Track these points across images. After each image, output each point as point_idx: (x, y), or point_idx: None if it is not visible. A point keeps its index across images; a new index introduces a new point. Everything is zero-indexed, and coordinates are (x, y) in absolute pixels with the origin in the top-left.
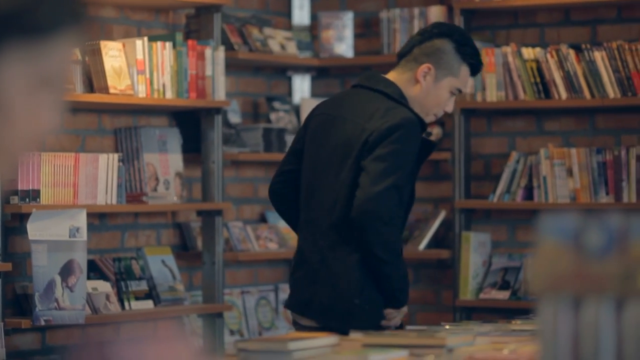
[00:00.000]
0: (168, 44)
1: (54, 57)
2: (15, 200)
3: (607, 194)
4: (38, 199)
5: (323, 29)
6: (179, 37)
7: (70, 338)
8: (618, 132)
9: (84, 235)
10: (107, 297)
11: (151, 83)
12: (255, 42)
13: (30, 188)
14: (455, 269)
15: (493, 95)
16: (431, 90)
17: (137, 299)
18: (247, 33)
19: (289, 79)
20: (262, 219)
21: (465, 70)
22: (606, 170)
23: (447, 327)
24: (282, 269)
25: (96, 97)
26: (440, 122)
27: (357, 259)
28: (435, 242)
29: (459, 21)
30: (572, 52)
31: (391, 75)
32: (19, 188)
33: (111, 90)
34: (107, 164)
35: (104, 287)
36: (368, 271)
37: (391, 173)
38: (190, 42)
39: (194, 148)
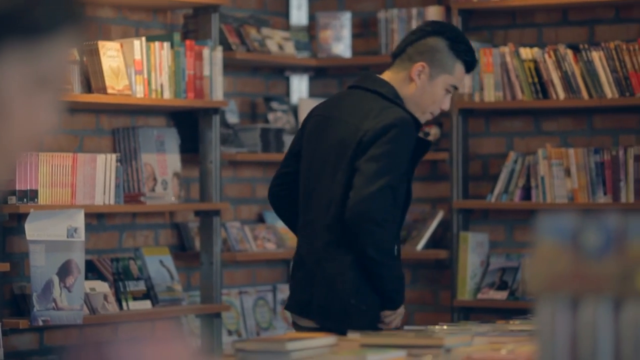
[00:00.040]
0: (166, 44)
1: (52, 57)
2: (13, 200)
3: (605, 194)
4: (36, 199)
5: (321, 29)
6: (177, 37)
7: (68, 338)
8: (616, 132)
9: (81, 235)
10: (105, 297)
11: (149, 83)
12: (253, 42)
13: (28, 188)
14: (453, 269)
15: (491, 95)
16: (426, 88)
17: (135, 299)
18: (244, 33)
19: (287, 79)
20: (260, 219)
21: (459, 67)
22: (604, 170)
23: (445, 327)
24: (280, 269)
25: (94, 97)
26: (438, 122)
27: (352, 260)
28: (433, 243)
29: (456, 21)
30: (569, 52)
31: (386, 75)
32: (17, 188)
33: (109, 91)
34: (104, 164)
35: (102, 287)
36: (363, 271)
37: (385, 173)
38: (188, 42)
39: (191, 148)
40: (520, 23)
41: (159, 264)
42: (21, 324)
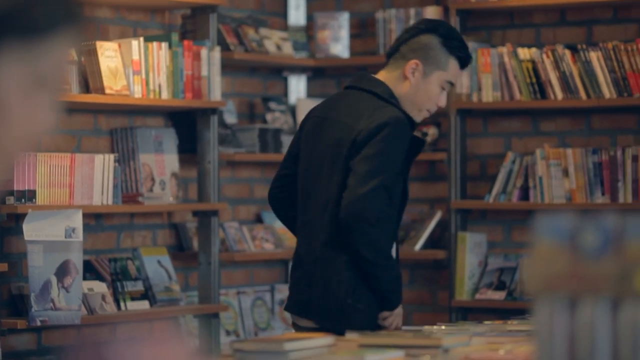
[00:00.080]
0: (164, 45)
1: (50, 57)
2: (11, 200)
3: (603, 194)
4: (34, 200)
5: (319, 29)
6: (175, 37)
7: (66, 339)
8: (614, 132)
9: (79, 235)
10: (103, 297)
11: (147, 83)
12: (251, 42)
13: (26, 188)
14: (451, 269)
15: (489, 95)
16: (421, 85)
17: (133, 299)
18: (242, 33)
19: (285, 80)
20: (258, 220)
21: (453, 63)
22: (602, 171)
23: (443, 327)
24: (278, 270)
25: (92, 98)
26: (436, 122)
27: (348, 259)
28: (431, 243)
29: (454, 21)
30: (567, 53)
31: (381, 75)
32: (15, 188)
33: (107, 91)
34: (103, 164)
35: (100, 287)
36: (359, 271)
37: (378, 173)
38: (186, 42)
39: (189, 148)
40: (518, 23)
41: (157, 264)
42: (19, 324)
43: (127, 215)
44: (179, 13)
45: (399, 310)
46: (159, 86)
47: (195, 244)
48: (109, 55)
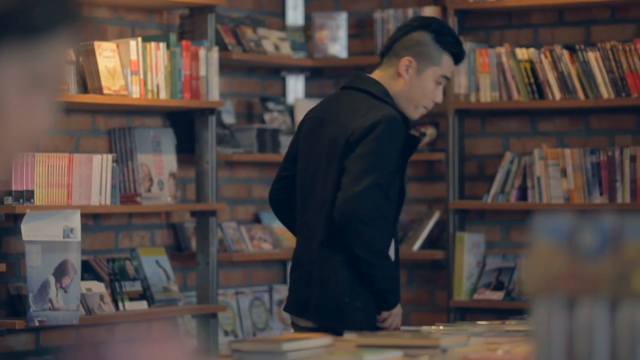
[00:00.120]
0: (162, 45)
1: (49, 57)
2: (9, 200)
3: (601, 194)
4: (32, 200)
5: (317, 29)
6: (173, 37)
7: (64, 339)
8: (612, 132)
9: (78, 235)
10: (101, 297)
11: (145, 83)
12: (249, 42)
13: (24, 189)
14: (449, 269)
15: (487, 95)
16: (415, 82)
17: (131, 299)
18: (241, 33)
19: (283, 80)
20: (256, 220)
21: (447, 58)
22: (600, 171)
23: (441, 327)
24: (276, 270)
25: (90, 98)
26: (434, 122)
27: (344, 258)
28: (429, 243)
29: (452, 22)
30: (566, 53)
31: (376, 75)
32: (13, 188)
33: (105, 91)
34: (101, 164)
35: (98, 287)
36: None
37: (372, 171)
38: (184, 42)
39: (187, 148)
40: (517, 23)
41: (155, 265)
42: (17, 324)
43: (125, 216)
44: (177, 13)
45: (397, 310)
46: (157, 86)
47: (193, 244)
48: (107, 56)
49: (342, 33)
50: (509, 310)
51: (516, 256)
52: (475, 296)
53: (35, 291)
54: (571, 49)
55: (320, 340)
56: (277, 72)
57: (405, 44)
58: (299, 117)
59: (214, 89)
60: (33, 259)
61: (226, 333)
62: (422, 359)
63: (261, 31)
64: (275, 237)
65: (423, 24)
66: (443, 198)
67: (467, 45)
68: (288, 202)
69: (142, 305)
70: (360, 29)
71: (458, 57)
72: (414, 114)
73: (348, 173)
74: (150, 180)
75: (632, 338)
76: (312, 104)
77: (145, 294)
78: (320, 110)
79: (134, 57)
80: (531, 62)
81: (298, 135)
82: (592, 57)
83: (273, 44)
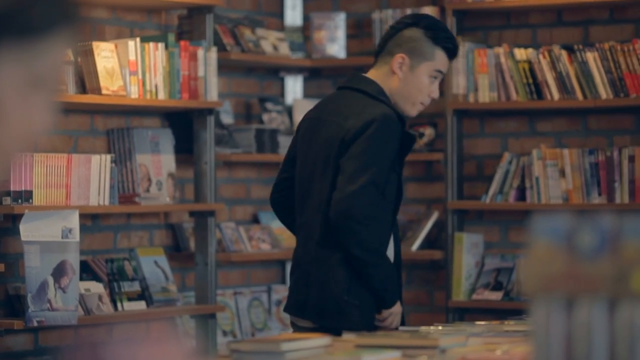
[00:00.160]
0: (160, 45)
1: (47, 57)
2: (7, 201)
3: (600, 194)
4: (30, 200)
5: (315, 29)
6: (172, 37)
7: (62, 339)
8: (610, 133)
9: (76, 236)
10: (100, 298)
11: (143, 84)
12: (247, 42)
13: (23, 189)
14: (448, 269)
15: (485, 96)
16: (410, 79)
17: (129, 299)
18: (239, 34)
19: (282, 80)
20: (255, 220)
21: (440, 53)
22: (599, 171)
23: (440, 327)
24: (275, 270)
25: (88, 98)
26: (432, 123)
27: (341, 257)
28: (427, 243)
29: (451, 22)
30: (564, 53)
31: (371, 74)
32: (12, 189)
33: (103, 91)
34: (99, 164)
35: (97, 288)
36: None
37: (366, 170)
38: (182, 42)
39: (186, 149)
40: (515, 24)
41: (153, 265)
42: (16, 324)
43: (123, 216)
44: (176, 13)
45: (397, 309)
46: (156, 86)
47: (192, 244)
48: (106, 56)
49: (341, 33)
50: (508, 310)
51: (515, 256)
52: (474, 296)
53: (34, 291)
54: (570, 49)
55: (319, 340)
56: (275, 72)
57: (397, 42)
58: (298, 117)
59: (212, 89)
60: (32, 259)
61: (225, 333)
62: (420, 359)
63: (259, 31)
64: (274, 238)
65: (414, 20)
66: (442, 198)
67: (466, 46)
68: (288, 204)
69: (141, 305)
70: (358, 30)
71: (451, 51)
72: (412, 110)
73: (343, 172)
74: (149, 180)
75: (631, 338)
76: (310, 104)
77: (143, 294)
78: (316, 111)
79: (132, 57)
80: (529, 62)
81: (297, 137)
82: (591, 57)
83: (271, 44)
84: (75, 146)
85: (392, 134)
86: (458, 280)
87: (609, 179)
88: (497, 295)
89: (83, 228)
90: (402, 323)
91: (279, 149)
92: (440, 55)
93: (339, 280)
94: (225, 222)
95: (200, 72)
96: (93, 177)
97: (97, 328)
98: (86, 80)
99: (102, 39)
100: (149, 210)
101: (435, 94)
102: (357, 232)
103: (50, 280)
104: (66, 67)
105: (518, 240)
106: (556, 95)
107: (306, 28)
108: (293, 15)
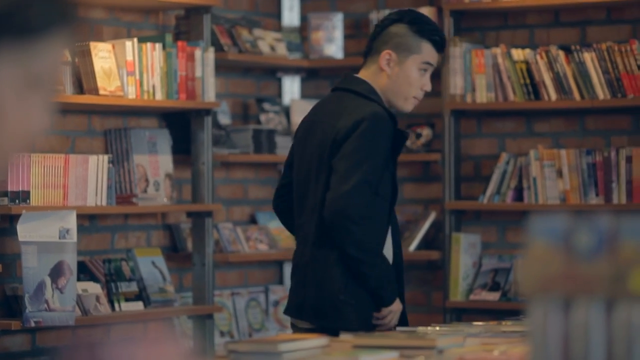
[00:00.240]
0: (158, 45)
1: (45, 58)
2: (5, 201)
3: (597, 195)
4: (28, 200)
5: (313, 30)
6: (169, 38)
7: (60, 339)
8: (608, 133)
9: (73, 236)
10: (97, 298)
11: (141, 84)
12: (244, 43)
13: (20, 189)
14: (446, 270)
15: (483, 96)
16: (399, 73)
17: (127, 300)
18: (236, 34)
19: (279, 80)
20: (252, 220)
21: (426, 45)
22: (596, 172)
23: (438, 328)
24: (272, 270)
25: (86, 99)
26: (430, 123)
27: (337, 257)
28: (425, 244)
29: (448, 22)
30: (561, 54)
31: (361, 74)
32: (9, 189)
33: (101, 92)
34: (97, 165)
35: (94, 288)
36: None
37: (358, 169)
38: (180, 43)
39: (183, 149)
40: (512, 24)
41: (151, 265)
42: (13, 325)
43: (121, 216)
44: (173, 14)
45: (396, 307)
46: (153, 87)
47: (189, 244)
48: (103, 56)
49: (338, 34)
50: (505, 311)
51: (512, 257)
52: (471, 297)
53: (31, 292)
54: (567, 50)
55: (317, 340)
56: (273, 72)
57: (383, 39)
58: (295, 117)
59: (209, 89)
60: (29, 259)
61: (222, 334)
62: (418, 359)
63: (257, 32)
64: (272, 238)
65: (398, 17)
66: (439, 199)
67: (463, 46)
68: (290, 209)
69: (138, 306)
70: (356, 30)
71: (437, 43)
72: (405, 106)
73: (335, 172)
74: (146, 181)
75: (628, 339)
76: (308, 104)
77: (141, 295)
78: (311, 114)
79: (129, 57)
80: (527, 62)
81: (294, 142)
82: (588, 57)
83: (269, 44)
84: (73, 146)
85: (382, 132)
86: (455, 281)
87: (607, 180)
88: (494, 296)
89: (80, 228)
90: (405, 322)
91: (277, 150)
92: (427, 48)
93: (334, 280)
94: (222, 222)
95: (198, 73)
96: (90, 177)
97: (94, 328)
98: (84, 80)
99: (100, 39)
100: (147, 210)
101: (428, 86)
102: (351, 231)
103: (48, 281)
104: (64, 68)
105: (515, 240)
106: (553, 95)
107: (303, 28)
108: (290, 15)
